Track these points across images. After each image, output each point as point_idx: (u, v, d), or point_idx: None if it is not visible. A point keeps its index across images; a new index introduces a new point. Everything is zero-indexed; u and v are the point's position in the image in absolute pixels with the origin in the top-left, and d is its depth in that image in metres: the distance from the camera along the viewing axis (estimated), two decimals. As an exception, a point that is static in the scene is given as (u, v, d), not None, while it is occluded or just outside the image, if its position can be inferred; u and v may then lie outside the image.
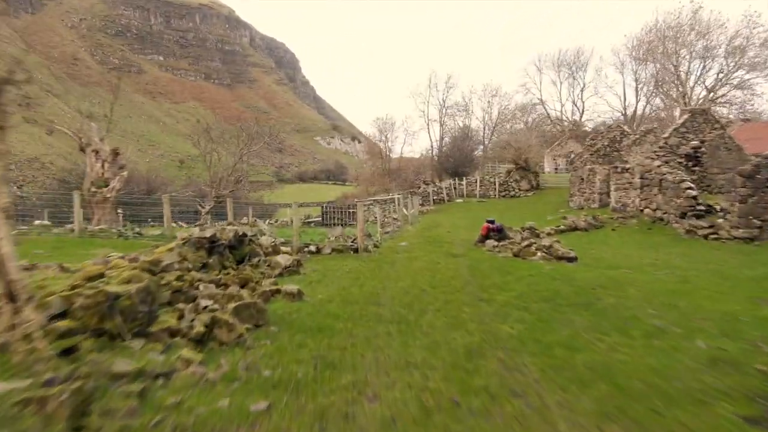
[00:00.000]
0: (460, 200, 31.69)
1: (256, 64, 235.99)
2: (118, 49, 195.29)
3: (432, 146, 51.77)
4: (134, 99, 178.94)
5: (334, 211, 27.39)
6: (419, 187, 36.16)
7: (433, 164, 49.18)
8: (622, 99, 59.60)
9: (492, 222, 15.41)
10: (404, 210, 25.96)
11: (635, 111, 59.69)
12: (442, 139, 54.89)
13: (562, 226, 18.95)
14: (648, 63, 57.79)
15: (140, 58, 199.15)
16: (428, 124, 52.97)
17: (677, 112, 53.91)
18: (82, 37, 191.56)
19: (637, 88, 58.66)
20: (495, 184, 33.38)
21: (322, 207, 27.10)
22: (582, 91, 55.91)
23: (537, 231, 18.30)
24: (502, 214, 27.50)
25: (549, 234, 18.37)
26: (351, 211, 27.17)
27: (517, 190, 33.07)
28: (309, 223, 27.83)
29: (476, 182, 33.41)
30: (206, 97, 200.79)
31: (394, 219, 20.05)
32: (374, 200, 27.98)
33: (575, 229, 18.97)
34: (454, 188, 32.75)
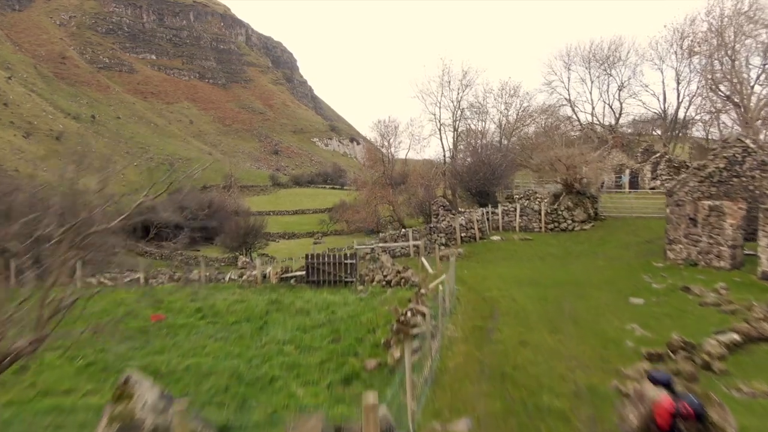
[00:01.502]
0: (496, 237, 22.92)
1: (252, 64, 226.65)
2: (109, 47, 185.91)
3: (444, 155, 43.13)
4: (125, 99, 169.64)
5: (322, 264, 18.58)
6: (437, 214, 27.45)
7: (449, 180, 40.45)
8: (661, 99, 50.82)
9: (667, 384, 6.44)
10: (428, 267, 17.11)
11: (676, 112, 51.02)
12: (456, 146, 46.16)
13: (735, 335, 10.15)
14: (694, 57, 49.18)
15: (132, 56, 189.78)
16: (440, 129, 44.40)
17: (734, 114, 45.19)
18: (71, 35, 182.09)
19: (678, 87, 49.93)
20: (540, 214, 24.68)
21: (307, 257, 18.21)
22: (620, 90, 47.20)
23: (695, 348, 9.57)
24: (565, 268, 18.73)
25: (720, 358, 9.56)
26: (347, 262, 18.40)
27: (569, 222, 24.39)
28: (288, 279, 19.01)
29: (515, 211, 24.68)
30: (200, 97, 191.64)
31: (422, 317, 11.06)
32: (383, 247, 19.22)
33: (759, 338, 10.22)
34: (487, 219, 24.08)
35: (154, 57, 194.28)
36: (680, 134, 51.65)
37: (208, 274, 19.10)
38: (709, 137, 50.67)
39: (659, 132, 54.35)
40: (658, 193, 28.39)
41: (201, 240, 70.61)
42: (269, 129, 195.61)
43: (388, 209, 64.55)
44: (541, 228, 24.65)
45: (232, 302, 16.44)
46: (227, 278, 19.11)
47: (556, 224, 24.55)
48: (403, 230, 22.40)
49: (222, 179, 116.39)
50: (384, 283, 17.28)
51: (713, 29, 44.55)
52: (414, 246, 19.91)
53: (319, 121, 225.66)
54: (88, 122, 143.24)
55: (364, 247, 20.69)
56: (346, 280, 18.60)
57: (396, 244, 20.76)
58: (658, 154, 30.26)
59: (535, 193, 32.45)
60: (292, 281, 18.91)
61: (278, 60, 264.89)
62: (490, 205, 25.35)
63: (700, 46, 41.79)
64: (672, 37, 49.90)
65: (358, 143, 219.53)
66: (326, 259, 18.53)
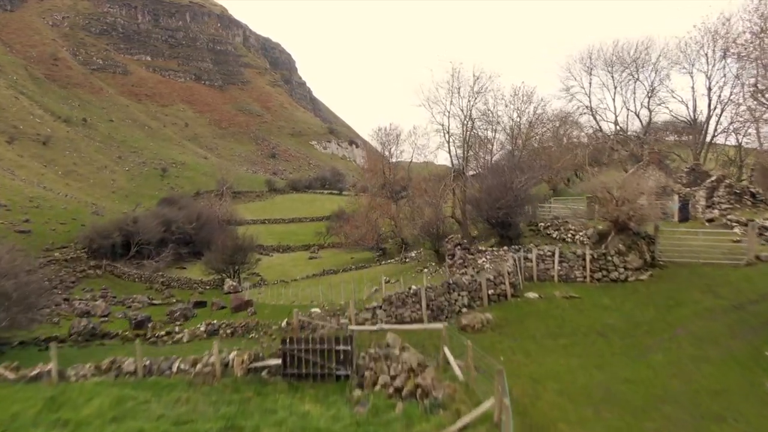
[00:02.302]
0: (533, 295, 17.62)
1: (250, 65, 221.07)
2: (103, 48, 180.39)
3: (453, 171, 37.56)
4: (118, 101, 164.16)
5: (305, 351, 13.28)
6: (452, 255, 22.08)
7: (461, 206, 34.98)
8: (691, 107, 45.49)
9: None
10: (457, 371, 11.93)
11: (707, 121, 45.73)
12: (466, 159, 40.85)
13: None
14: (729, 60, 44.07)
15: (126, 58, 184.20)
16: (449, 142, 38.93)
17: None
18: (64, 35, 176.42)
19: (709, 93, 44.54)
20: (584, 260, 19.38)
21: (284, 343, 12.84)
22: (649, 97, 41.72)
23: None
24: (643, 359, 13.41)
25: None
26: (338, 349, 13.09)
27: (621, 270, 19.14)
28: (258, 370, 13.67)
29: (552, 256, 19.28)
30: (196, 100, 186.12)
31: None
32: (389, 329, 13.97)
33: None
34: (520, 267, 18.67)
35: (149, 58, 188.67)
36: (704, 143, 46.46)
37: (147, 362, 13.76)
38: (743, 147, 45.52)
39: (673, 138, 48.85)
40: (720, 228, 23.09)
41: (188, 255, 65.08)
42: (266, 132, 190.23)
43: (389, 223, 59.30)
44: (585, 277, 19.37)
45: (168, 427, 11.04)
46: (175, 368, 13.73)
47: (605, 272, 19.29)
48: (413, 287, 17.02)
49: (216, 185, 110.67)
50: (392, 389, 11.95)
51: (754, 29, 39.33)
52: (430, 322, 14.61)
53: (318, 123, 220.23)
54: (80, 125, 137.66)
55: (363, 328, 15.37)
56: (338, 373, 13.24)
57: (407, 326, 15.39)
58: (713, 178, 24.99)
59: (566, 222, 27.09)
60: (264, 373, 13.56)
61: (276, 61, 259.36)
62: (521, 249, 20.00)
63: (746, 49, 36.56)
64: (703, 38, 44.45)
65: (357, 146, 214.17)
66: (311, 345, 13.20)
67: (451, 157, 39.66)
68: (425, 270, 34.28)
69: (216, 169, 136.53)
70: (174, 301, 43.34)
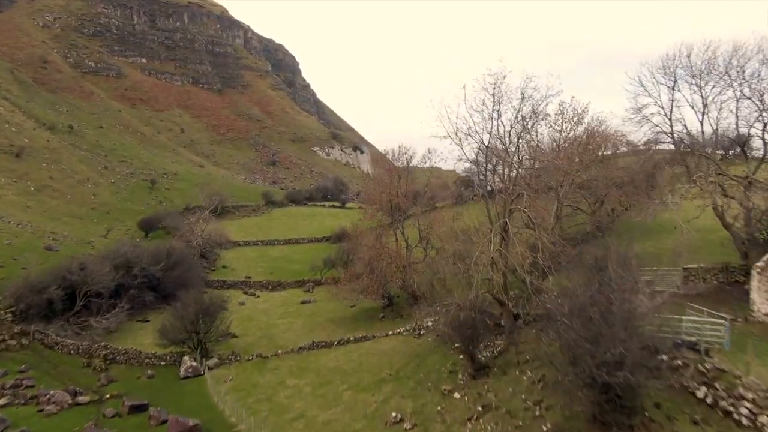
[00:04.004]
0: None
1: (250, 68, 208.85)
2: (96, 50, 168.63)
3: (491, 228, 25.07)
4: (110, 106, 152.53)
5: None
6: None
7: (502, 277, 22.73)
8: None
9: None
10: None
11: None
12: (507, 211, 28.48)
13: None
14: None
15: (120, 60, 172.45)
16: (487, 195, 26.16)
17: None
18: (55, 37, 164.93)
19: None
20: None
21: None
22: (761, 115, 28.73)
23: None
24: None
25: None
26: None
27: None
28: None
29: None
30: (193, 104, 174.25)
31: None
32: None
33: None
34: None
35: (144, 61, 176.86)
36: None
37: None
38: None
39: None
40: None
41: (154, 302, 52.92)
42: (267, 137, 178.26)
43: (397, 269, 47.22)
44: None
45: None
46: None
47: None
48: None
49: (204, 201, 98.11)
50: None
51: None
52: None
53: (321, 128, 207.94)
54: (65, 133, 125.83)
55: None
56: None
57: None
58: None
59: (721, 369, 14.76)
60: None
61: (279, 63, 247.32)
62: None
63: None
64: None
65: (362, 152, 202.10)
66: None
67: (489, 215, 26.93)
68: (456, 395, 22.06)
69: (211, 180, 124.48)
70: (107, 396, 31.38)
